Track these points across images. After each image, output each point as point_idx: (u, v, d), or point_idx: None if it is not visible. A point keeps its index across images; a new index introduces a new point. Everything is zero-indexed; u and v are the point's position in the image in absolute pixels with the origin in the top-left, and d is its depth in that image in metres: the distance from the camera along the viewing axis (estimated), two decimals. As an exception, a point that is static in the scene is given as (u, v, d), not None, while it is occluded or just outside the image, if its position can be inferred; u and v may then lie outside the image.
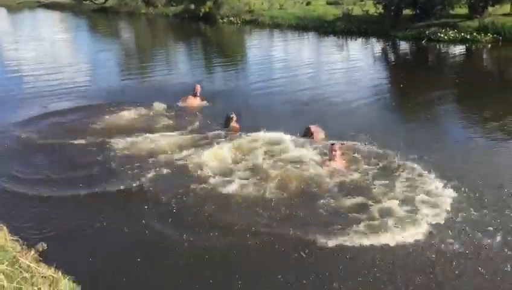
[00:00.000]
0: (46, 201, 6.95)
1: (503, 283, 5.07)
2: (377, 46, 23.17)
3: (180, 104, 11.81)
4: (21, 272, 4.18)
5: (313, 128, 9.18)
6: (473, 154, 8.46)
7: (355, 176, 7.48)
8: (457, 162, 8.03)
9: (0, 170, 8.08)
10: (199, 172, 7.70)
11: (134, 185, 7.30)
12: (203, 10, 35.41)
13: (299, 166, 7.83)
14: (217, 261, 5.48)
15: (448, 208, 6.43)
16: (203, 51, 24.26)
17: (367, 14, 28.05)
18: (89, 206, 6.77)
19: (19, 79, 16.15)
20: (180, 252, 5.64)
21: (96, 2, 50.55)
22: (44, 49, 23.39)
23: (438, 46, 21.74)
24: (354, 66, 17.80)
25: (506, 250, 5.56)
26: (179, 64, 19.74)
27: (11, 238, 4.77)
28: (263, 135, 9.16)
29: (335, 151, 7.92)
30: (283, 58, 20.08)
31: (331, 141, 8.39)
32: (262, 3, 36.27)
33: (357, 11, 28.98)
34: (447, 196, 6.77)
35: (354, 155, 8.25)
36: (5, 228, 4.84)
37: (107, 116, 10.76)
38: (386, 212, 6.35)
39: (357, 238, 5.77)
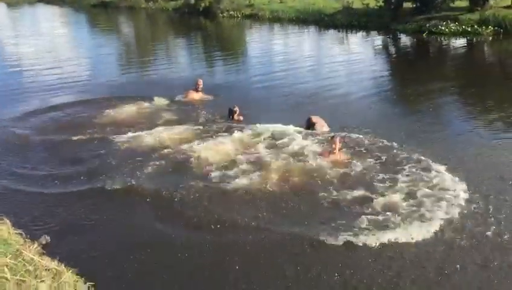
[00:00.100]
0: (48, 195, 6.95)
1: (509, 275, 5.04)
2: (378, 39, 23.11)
3: (182, 98, 11.79)
4: (24, 265, 4.19)
5: (314, 118, 9.18)
6: (476, 146, 8.40)
7: (358, 169, 7.44)
8: (460, 154, 7.97)
9: (1, 164, 8.10)
10: (201, 166, 7.69)
11: (135, 179, 7.28)
12: (203, 5, 35.38)
13: (300, 159, 7.82)
14: (218, 257, 5.41)
15: (453, 202, 6.35)
16: (203, 45, 24.21)
17: (367, 7, 27.96)
18: (90, 200, 6.76)
19: (19, 74, 16.15)
20: (181, 246, 5.60)
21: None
22: (44, 44, 23.35)
23: (438, 39, 21.67)
24: (355, 59, 17.76)
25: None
26: (180, 58, 19.70)
27: (15, 231, 4.78)
28: (266, 128, 9.18)
29: (335, 144, 7.93)
30: (284, 52, 20.05)
31: (332, 134, 8.40)
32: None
33: (357, 4, 28.90)
34: (451, 189, 6.69)
35: (356, 148, 8.24)
36: (8, 221, 4.85)
37: (108, 111, 10.75)
38: (390, 207, 6.27)
39: (360, 234, 5.64)
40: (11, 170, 7.87)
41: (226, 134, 9.00)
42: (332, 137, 8.08)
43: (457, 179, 6.96)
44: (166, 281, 5.04)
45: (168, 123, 9.88)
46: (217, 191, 6.89)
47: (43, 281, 4.06)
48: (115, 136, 9.03)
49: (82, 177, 7.44)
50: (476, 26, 21.84)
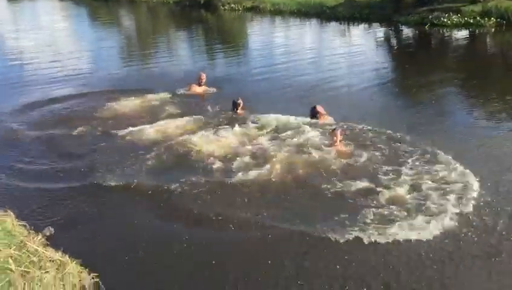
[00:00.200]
0: (51, 188, 6.95)
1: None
2: (380, 31, 23.02)
3: (184, 91, 11.75)
4: (29, 256, 4.21)
5: (319, 107, 9.18)
6: (480, 138, 8.38)
7: (360, 161, 7.42)
8: (464, 146, 7.94)
9: (3, 157, 8.11)
10: (204, 159, 7.68)
11: (137, 173, 7.27)
12: (204, -3, 35.26)
13: (303, 151, 7.80)
14: (219, 253, 5.37)
15: (459, 194, 6.28)
16: (204, 38, 24.14)
17: (369, -1, 27.86)
18: (92, 193, 6.76)
19: (20, 67, 16.12)
20: (182, 240, 5.58)
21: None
22: (44, 38, 23.30)
23: (441, 31, 21.60)
24: (357, 51, 17.70)
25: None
26: (181, 51, 19.65)
27: (18, 223, 4.79)
28: (269, 119, 9.19)
29: (336, 136, 7.92)
30: (285, 45, 20.01)
31: (333, 127, 8.38)
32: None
33: (359, -4, 28.77)
34: (457, 181, 6.63)
35: (358, 140, 8.23)
36: (12, 213, 4.87)
37: (109, 104, 10.73)
38: (395, 200, 6.20)
39: (364, 229, 5.55)
40: (13, 163, 7.87)
41: (230, 127, 8.98)
42: (334, 130, 8.08)
43: (462, 171, 6.90)
44: (169, 273, 5.05)
45: (171, 116, 9.86)
46: (220, 185, 6.86)
47: (47, 272, 4.07)
48: (116, 130, 9.02)
49: (84, 171, 7.43)
50: (478, 18, 21.75)
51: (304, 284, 4.80)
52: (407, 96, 11.80)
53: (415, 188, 6.51)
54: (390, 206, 6.06)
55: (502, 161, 7.40)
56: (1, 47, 20.85)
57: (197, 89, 11.77)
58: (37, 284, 3.86)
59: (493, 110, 9.95)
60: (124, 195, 6.72)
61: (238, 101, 9.94)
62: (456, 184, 6.56)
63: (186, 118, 9.58)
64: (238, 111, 9.88)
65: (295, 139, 8.28)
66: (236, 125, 9.01)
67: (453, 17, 22.27)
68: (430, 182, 6.64)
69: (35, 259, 4.19)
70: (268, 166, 7.29)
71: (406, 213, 5.90)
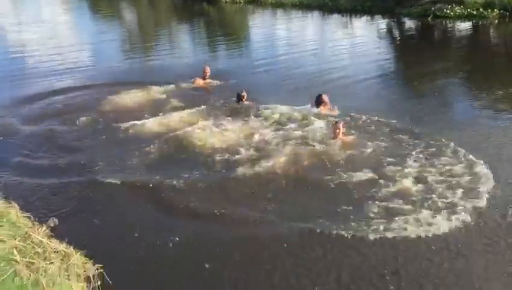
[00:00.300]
0: (54, 180, 6.95)
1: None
2: (382, 23, 22.90)
3: (188, 84, 11.67)
4: (33, 247, 4.22)
5: (324, 96, 9.17)
6: (484, 129, 8.34)
7: (364, 154, 7.40)
8: (468, 138, 7.86)
9: (6, 150, 8.12)
10: (207, 152, 7.67)
11: (140, 165, 7.29)
12: (205, -10, 35.06)
13: (306, 144, 7.80)
14: (220, 247, 5.33)
15: (465, 187, 6.20)
16: (207, 31, 24.07)
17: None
18: (96, 186, 6.76)
19: (21, 60, 16.13)
20: (184, 233, 5.57)
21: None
22: (46, 31, 23.26)
23: (443, 23, 21.49)
24: (360, 43, 17.65)
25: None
26: (183, 44, 19.60)
27: (23, 215, 4.81)
28: (272, 111, 9.19)
29: (339, 129, 7.90)
30: (287, 37, 19.96)
31: (336, 119, 8.37)
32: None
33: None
34: (463, 173, 6.56)
35: (361, 132, 8.22)
36: (16, 205, 4.89)
37: (112, 97, 10.73)
38: (400, 194, 6.12)
39: (369, 224, 5.49)
40: (16, 155, 7.88)
41: (233, 119, 8.99)
42: (336, 122, 8.06)
43: (468, 162, 6.86)
44: (171, 266, 5.06)
45: (174, 109, 9.83)
46: (223, 178, 6.86)
47: (52, 263, 4.09)
48: (118, 122, 9.01)
49: (87, 164, 7.42)
50: (481, 10, 21.62)
51: (307, 281, 4.73)
52: (410, 87, 11.76)
53: (420, 180, 6.46)
54: (395, 200, 6.01)
55: (508, 151, 7.34)
56: (3, 40, 20.83)
57: (201, 83, 11.73)
58: (41, 275, 3.87)
59: (497, 101, 9.92)
60: (127, 188, 6.71)
61: (242, 94, 9.94)
62: (462, 176, 6.50)
63: (189, 111, 9.57)
64: (243, 103, 9.87)
65: (298, 132, 8.27)
66: (240, 117, 9.02)
67: (456, 8, 22.13)
68: (435, 175, 6.57)
69: (39, 250, 4.21)
70: (271, 159, 7.28)
71: (411, 207, 5.83)
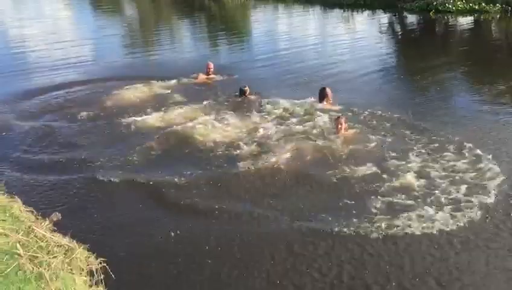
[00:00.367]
0: (56, 175, 6.97)
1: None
2: (384, 18, 22.82)
3: (191, 80, 11.61)
4: (36, 241, 4.23)
5: (328, 90, 9.16)
6: (487, 122, 8.36)
7: (367, 149, 7.39)
8: (471, 133, 7.85)
9: (7, 145, 8.13)
10: (210, 147, 7.66)
11: (142, 161, 7.30)
12: (206, -15, 34.90)
13: (309, 139, 7.82)
14: (221, 243, 5.31)
15: (469, 183, 6.17)
16: (208, 26, 24.01)
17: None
18: (98, 181, 6.76)
19: (22, 55, 16.09)
20: (186, 228, 5.59)
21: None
22: (47, 26, 23.22)
23: (445, 17, 21.41)
24: (361, 38, 17.61)
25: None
26: (185, 39, 19.56)
27: (26, 209, 4.82)
28: (275, 106, 9.19)
29: (341, 124, 7.90)
30: (289, 32, 19.91)
31: (339, 114, 8.36)
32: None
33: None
34: (467, 169, 6.54)
35: (363, 127, 8.21)
36: (19, 199, 4.89)
37: (114, 92, 10.71)
38: (403, 189, 6.09)
39: (372, 220, 5.47)
40: (17, 150, 7.90)
41: (236, 114, 8.98)
42: (338, 117, 8.05)
43: (471, 157, 6.84)
44: (174, 260, 5.08)
45: (176, 104, 9.80)
46: (225, 174, 6.84)
47: (55, 256, 4.09)
48: (121, 117, 9.02)
49: (89, 159, 7.42)
50: (483, 4, 21.53)
51: (308, 278, 4.70)
52: (412, 82, 11.73)
53: (423, 175, 6.42)
54: (399, 195, 5.98)
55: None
56: (4, 35, 20.81)
57: (204, 78, 11.63)
58: (45, 268, 3.88)
59: (499, 96, 9.91)
60: (128, 184, 6.71)
61: (245, 88, 9.94)
62: (466, 172, 6.47)
63: (191, 106, 9.55)
64: (246, 98, 9.85)
65: (301, 126, 8.27)
66: (243, 112, 9.02)
67: (458, 3, 22.04)
68: (439, 170, 6.55)
69: (43, 244, 4.21)
70: (273, 154, 7.28)
71: (414, 203, 5.80)
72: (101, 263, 4.40)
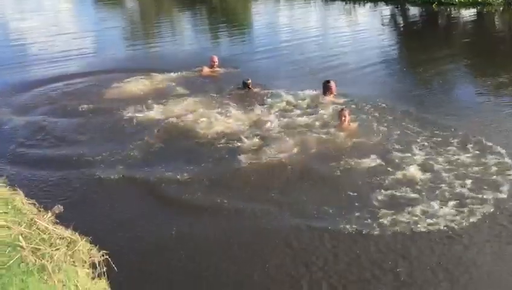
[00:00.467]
0: (56, 169, 6.94)
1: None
2: (386, 10, 22.71)
3: (194, 73, 11.52)
4: (39, 233, 4.21)
5: (332, 83, 9.12)
6: (491, 114, 8.32)
7: (370, 141, 7.34)
8: (475, 125, 7.77)
9: (7, 138, 8.10)
10: (212, 141, 7.63)
11: (143, 154, 7.27)
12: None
13: (312, 132, 7.77)
14: (222, 240, 5.27)
15: (474, 177, 6.10)
16: (209, 18, 23.91)
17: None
18: (100, 174, 6.73)
19: (23, 47, 16.08)
20: (187, 223, 5.57)
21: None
22: (48, 18, 23.17)
23: (448, 10, 21.30)
24: (363, 30, 17.54)
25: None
26: (186, 32, 19.52)
27: (28, 201, 4.81)
28: (278, 99, 9.16)
29: (344, 116, 7.87)
30: (290, 24, 19.83)
31: (343, 106, 8.34)
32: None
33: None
34: (471, 162, 6.47)
35: (368, 119, 8.18)
36: (21, 192, 4.88)
37: (116, 84, 10.69)
38: (407, 183, 6.01)
39: (375, 215, 5.38)
40: (18, 141, 7.90)
41: (238, 107, 8.92)
42: (342, 109, 8.03)
43: (475, 150, 6.79)
44: (177, 253, 5.08)
45: (179, 97, 9.72)
46: (226, 167, 6.81)
47: (57, 249, 4.08)
48: (122, 110, 8.97)
49: (90, 153, 7.37)
50: (486, -4, 21.44)
51: (310, 276, 4.64)
52: (415, 74, 11.68)
53: (428, 169, 6.36)
54: (403, 190, 5.91)
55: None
56: (4, 27, 20.74)
57: (208, 72, 11.53)
58: (47, 261, 3.87)
59: (503, 88, 9.87)
60: (130, 177, 6.67)
61: (248, 81, 9.91)
62: (470, 166, 6.40)
63: (194, 99, 9.49)
64: (248, 90, 9.82)
65: (304, 119, 8.24)
66: (245, 105, 8.99)
67: (461, -5, 21.95)
68: (443, 164, 6.47)
69: (45, 236, 4.20)
70: (276, 147, 7.25)
71: (419, 197, 5.72)
72: (103, 255, 4.39)
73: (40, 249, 3.99)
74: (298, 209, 5.70)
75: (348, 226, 5.27)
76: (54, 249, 4.08)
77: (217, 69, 11.64)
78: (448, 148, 6.96)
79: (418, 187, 5.97)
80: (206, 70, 11.52)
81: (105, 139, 7.85)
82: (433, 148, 6.98)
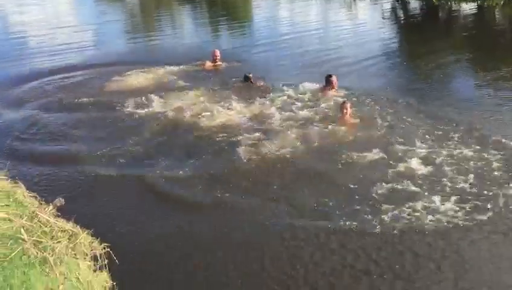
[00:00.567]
0: (57, 161, 6.97)
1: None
2: (387, 4, 22.61)
3: (195, 67, 11.49)
4: (40, 226, 4.21)
5: (334, 78, 9.12)
6: (492, 109, 8.28)
7: (371, 134, 7.36)
8: (475, 119, 7.74)
9: (9, 129, 8.12)
10: (213, 134, 7.62)
11: (143, 147, 7.28)
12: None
13: (313, 124, 7.79)
14: (221, 235, 5.26)
15: (475, 171, 6.06)
16: (209, 12, 23.81)
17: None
18: (101, 167, 6.76)
19: (22, 40, 16.05)
20: (188, 219, 5.58)
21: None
22: (49, 11, 23.10)
23: (449, 3, 21.18)
24: (364, 24, 17.50)
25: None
26: (187, 25, 19.46)
27: (29, 194, 4.81)
28: (280, 93, 9.18)
29: (346, 109, 7.87)
30: (291, 18, 19.78)
31: (344, 99, 8.34)
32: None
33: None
34: (472, 157, 6.45)
35: (369, 112, 8.18)
36: (22, 185, 4.89)
37: (116, 77, 10.68)
38: (408, 177, 5.98)
39: (375, 212, 5.34)
40: (18, 135, 7.90)
41: (240, 101, 8.92)
42: (344, 102, 8.03)
43: (477, 145, 6.77)
44: (178, 246, 5.11)
45: (180, 91, 9.72)
46: (227, 161, 6.80)
47: (59, 241, 4.09)
48: (123, 102, 8.99)
49: (90, 147, 7.39)
50: (487, -10, 21.29)
51: (310, 273, 4.61)
52: (416, 68, 11.67)
53: (429, 164, 6.34)
54: (404, 183, 5.89)
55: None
56: (4, 20, 20.67)
57: (211, 66, 11.49)
58: (49, 253, 3.88)
59: (504, 81, 9.86)
60: (130, 172, 6.68)
61: (250, 75, 9.91)
62: (472, 160, 6.38)
63: (195, 93, 9.49)
64: (250, 84, 9.82)
65: (305, 112, 8.26)
66: (247, 99, 8.97)
67: (462, -11, 21.80)
68: (446, 158, 6.45)
69: (47, 229, 4.20)
70: (277, 141, 7.25)
71: (421, 193, 5.68)
72: (104, 248, 4.40)
73: (41, 241, 4.00)
74: (298, 204, 5.69)
75: (348, 222, 5.24)
76: (56, 241, 4.09)
77: (219, 63, 11.59)
78: (450, 142, 6.95)
79: (420, 181, 5.95)
80: (208, 64, 11.47)
81: (106, 133, 7.85)
82: (435, 142, 6.97)
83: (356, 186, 5.95)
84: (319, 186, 6.08)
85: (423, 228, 5.08)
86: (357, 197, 5.72)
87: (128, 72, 10.93)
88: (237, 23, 19.15)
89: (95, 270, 4.15)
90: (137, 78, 10.61)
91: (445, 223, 5.14)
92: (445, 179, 5.96)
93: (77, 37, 16.06)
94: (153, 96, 9.22)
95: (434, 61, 11.63)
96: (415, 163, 6.35)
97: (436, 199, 5.55)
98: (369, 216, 5.32)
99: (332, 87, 9.05)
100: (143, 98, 9.14)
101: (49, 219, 4.36)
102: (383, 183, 5.93)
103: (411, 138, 7.12)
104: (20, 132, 8.02)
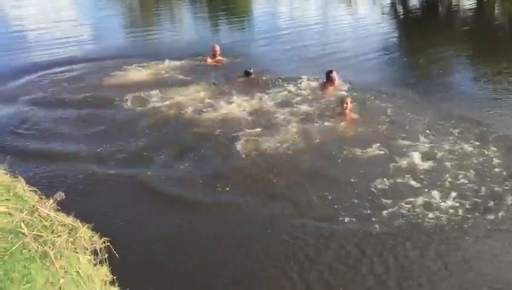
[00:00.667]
0: (57, 157, 6.97)
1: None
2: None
3: (196, 62, 11.46)
4: (41, 220, 4.21)
5: (334, 74, 9.10)
6: (493, 105, 8.26)
7: (372, 129, 7.36)
8: (475, 115, 7.72)
9: (8, 125, 8.08)
10: (213, 130, 7.59)
11: (143, 141, 7.27)
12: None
13: (314, 120, 7.77)
14: (220, 232, 5.23)
15: (476, 167, 6.05)
16: (208, 6, 23.77)
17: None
18: (98, 160, 6.76)
19: (22, 34, 16.01)
20: (188, 216, 5.56)
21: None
22: (48, 6, 23.00)
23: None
24: (364, 19, 17.49)
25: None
26: (185, 20, 19.40)
27: (29, 189, 4.81)
28: (280, 88, 9.17)
29: (346, 104, 7.86)
30: (291, 13, 19.78)
31: (345, 94, 8.33)
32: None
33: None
34: (472, 152, 6.43)
35: (369, 107, 8.18)
36: (22, 179, 4.88)
37: (115, 72, 10.66)
38: (408, 173, 5.95)
39: (376, 209, 5.30)
40: (17, 131, 7.87)
41: (240, 96, 8.89)
42: (344, 97, 8.03)
43: (477, 141, 6.75)
44: (177, 241, 5.12)
45: (180, 86, 9.68)
46: (227, 157, 6.79)
47: (59, 235, 4.09)
48: (123, 97, 8.95)
49: (89, 142, 7.37)
50: (487, -15, 21.26)
51: (311, 273, 4.56)
52: (416, 63, 11.69)
53: (429, 158, 6.32)
54: (405, 179, 5.87)
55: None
56: (3, 14, 20.61)
57: (211, 61, 11.44)
58: (49, 247, 3.88)
59: (503, 79, 9.80)
60: (130, 166, 6.67)
61: (250, 70, 9.89)
62: (473, 156, 6.37)
63: (195, 88, 9.46)
64: (250, 79, 9.80)
65: (306, 107, 8.24)
66: (247, 94, 8.94)
67: (461, -16, 21.77)
68: (447, 153, 6.44)
69: (47, 223, 4.20)
70: (277, 136, 7.24)
71: (421, 189, 5.66)
72: (104, 242, 4.40)
73: (42, 235, 4.00)
74: (299, 201, 5.67)
75: (347, 219, 5.22)
76: (56, 235, 4.09)
77: (219, 58, 11.56)
78: (450, 137, 6.94)
79: (421, 177, 5.93)
80: (209, 60, 11.41)
81: (105, 128, 7.83)
82: (435, 137, 6.96)
83: (356, 181, 5.94)
84: (319, 181, 6.05)
85: (423, 225, 5.06)
86: (357, 192, 5.71)
87: (128, 67, 10.91)
88: (237, 18, 19.11)
89: (95, 264, 4.15)
90: (136, 73, 10.58)
91: (445, 220, 5.12)
92: (446, 175, 5.94)
93: (76, 32, 16.02)
94: (152, 91, 9.19)
95: (434, 56, 11.62)
96: (415, 158, 6.33)
97: (437, 194, 5.53)
98: (370, 212, 5.30)
99: (333, 83, 9.04)
100: (142, 93, 9.11)
101: (49, 213, 4.36)
102: (384, 179, 5.90)
103: (411, 133, 7.11)
104: (17, 127, 8.00)
